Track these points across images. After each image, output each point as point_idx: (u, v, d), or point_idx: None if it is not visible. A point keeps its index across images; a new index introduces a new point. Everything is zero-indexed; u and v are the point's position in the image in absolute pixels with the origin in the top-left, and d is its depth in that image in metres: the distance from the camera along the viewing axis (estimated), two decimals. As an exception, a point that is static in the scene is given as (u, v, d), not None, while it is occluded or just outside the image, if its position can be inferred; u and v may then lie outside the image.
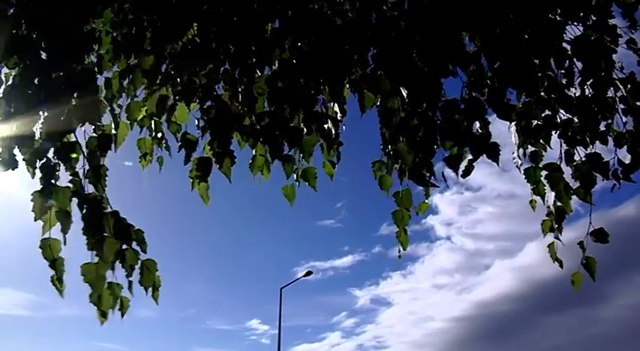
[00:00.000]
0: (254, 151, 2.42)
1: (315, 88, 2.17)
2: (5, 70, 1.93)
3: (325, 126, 2.26)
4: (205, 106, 2.18)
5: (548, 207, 2.24)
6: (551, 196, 2.19)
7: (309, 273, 33.66)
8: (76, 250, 1.93)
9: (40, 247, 1.84)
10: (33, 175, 1.87)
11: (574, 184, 2.16)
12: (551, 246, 2.33)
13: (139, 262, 1.91)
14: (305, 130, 2.19)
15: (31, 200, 1.82)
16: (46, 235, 1.86)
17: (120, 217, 1.88)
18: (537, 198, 2.28)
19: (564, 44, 2.02)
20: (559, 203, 2.19)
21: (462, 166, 2.09)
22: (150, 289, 1.96)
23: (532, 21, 1.95)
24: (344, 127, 2.34)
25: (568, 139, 2.13)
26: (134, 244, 1.91)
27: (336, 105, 2.28)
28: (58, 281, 1.88)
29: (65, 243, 1.84)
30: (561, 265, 2.33)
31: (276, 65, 2.13)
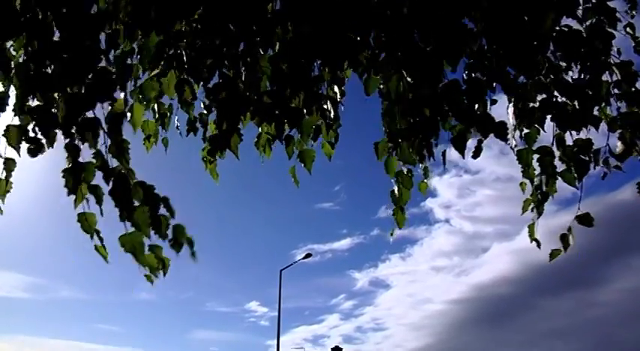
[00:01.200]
0: (260, 129, 2.45)
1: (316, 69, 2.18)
2: (13, 48, 2.01)
3: (325, 107, 2.29)
4: (211, 86, 2.19)
5: (537, 187, 2.29)
6: (542, 178, 2.25)
7: (308, 255, 33.75)
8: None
9: (78, 221, 1.96)
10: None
11: (561, 167, 2.21)
12: (531, 226, 2.39)
13: (170, 226, 1.99)
14: (305, 110, 2.21)
15: (62, 177, 1.93)
16: (80, 210, 1.96)
17: (147, 186, 1.94)
18: (527, 181, 2.32)
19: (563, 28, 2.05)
20: (544, 187, 2.25)
21: (464, 147, 2.12)
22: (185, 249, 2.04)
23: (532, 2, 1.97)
24: (342, 107, 2.37)
25: (561, 123, 2.15)
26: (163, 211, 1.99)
27: (335, 86, 2.31)
28: (102, 248, 2.00)
29: (102, 213, 1.94)
30: (539, 246, 2.39)
31: (278, 46, 2.16)
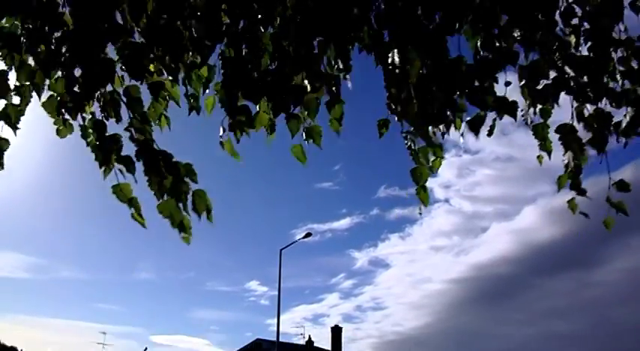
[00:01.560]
0: (257, 107, 2.42)
1: (318, 46, 2.19)
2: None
3: (329, 83, 2.29)
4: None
5: (566, 162, 2.34)
6: (569, 154, 2.31)
7: (308, 235, 33.92)
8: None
9: (113, 192, 2.08)
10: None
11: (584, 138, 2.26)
12: (571, 201, 2.44)
13: (191, 192, 2.10)
14: (309, 88, 2.22)
15: (92, 152, 1.98)
16: (115, 182, 2.07)
17: (167, 155, 2.01)
18: (544, 154, 2.37)
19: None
20: (575, 160, 2.31)
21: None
22: (204, 214, 2.15)
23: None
24: (350, 84, 2.34)
25: (578, 96, 2.20)
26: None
27: (340, 62, 2.29)
28: (139, 216, 2.10)
29: (136, 181, 2.06)
30: (587, 216, 2.44)
31: (279, 22, 2.17)
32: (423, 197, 2.45)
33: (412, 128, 2.30)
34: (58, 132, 2.21)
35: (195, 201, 2.09)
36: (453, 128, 2.23)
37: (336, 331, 47.11)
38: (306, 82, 2.21)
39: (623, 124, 2.25)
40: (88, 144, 2.12)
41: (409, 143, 2.36)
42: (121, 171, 2.03)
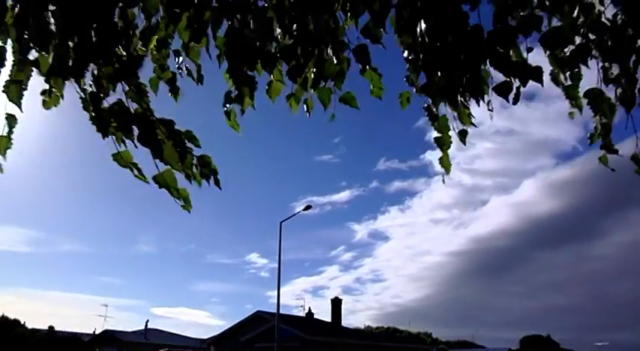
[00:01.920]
0: (271, 76, 2.45)
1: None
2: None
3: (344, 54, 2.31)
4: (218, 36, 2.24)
5: (595, 122, 2.41)
6: (599, 117, 2.37)
7: (308, 207, 34.19)
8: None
9: (114, 160, 2.08)
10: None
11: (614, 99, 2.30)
12: (603, 158, 2.51)
13: (194, 158, 2.13)
14: (335, 59, 2.26)
15: (92, 124, 2.00)
16: (115, 150, 2.08)
17: (168, 122, 2.05)
18: (576, 110, 2.40)
19: None
20: (604, 119, 2.35)
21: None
22: (212, 179, 2.19)
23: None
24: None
25: (605, 58, 2.22)
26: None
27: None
28: (141, 175, 2.11)
29: (137, 146, 2.05)
30: (613, 170, 2.51)
31: None
32: (446, 165, 2.50)
33: (431, 101, 2.34)
34: (44, 103, 2.22)
35: (200, 165, 2.14)
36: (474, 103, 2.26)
37: (336, 303, 47.58)
38: (330, 52, 2.24)
39: None
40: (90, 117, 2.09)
41: (432, 112, 2.39)
42: (123, 141, 2.06)
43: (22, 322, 60.70)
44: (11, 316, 62.10)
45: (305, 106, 2.53)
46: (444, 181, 2.50)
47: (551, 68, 2.29)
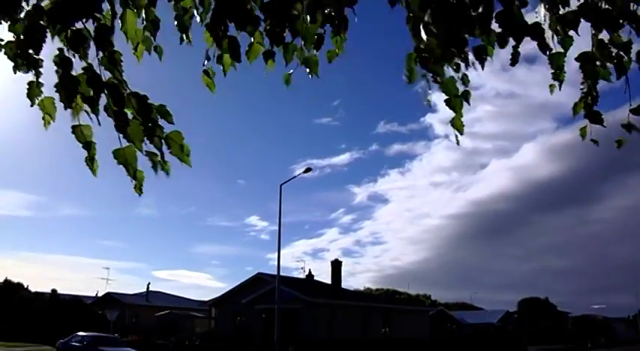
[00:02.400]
0: (252, 38, 2.39)
1: None
2: None
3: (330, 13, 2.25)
4: None
5: (582, 90, 2.34)
6: (588, 83, 2.31)
7: (308, 170, 34.31)
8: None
9: (73, 133, 2.01)
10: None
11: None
12: (583, 129, 2.45)
13: (165, 134, 2.03)
14: (309, 18, 2.18)
15: (56, 91, 1.90)
16: (76, 122, 1.98)
17: (141, 96, 1.93)
18: (556, 83, 2.37)
19: None
20: (592, 87, 2.31)
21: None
22: (182, 157, 2.09)
23: None
24: (356, 18, 2.30)
25: (599, 23, 2.16)
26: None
27: None
28: (90, 161, 2.02)
29: (99, 123, 1.91)
30: (597, 144, 2.46)
31: None
32: (459, 126, 2.45)
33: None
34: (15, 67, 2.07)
35: (169, 143, 2.04)
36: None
37: (336, 265, 48.07)
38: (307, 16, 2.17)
39: None
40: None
41: (432, 79, 2.33)
42: (87, 112, 1.96)
43: (25, 286, 61.59)
44: (14, 280, 63.03)
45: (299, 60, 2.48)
46: (458, 142, 2.48)
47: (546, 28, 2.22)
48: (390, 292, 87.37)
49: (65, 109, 1.91)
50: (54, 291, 54.43)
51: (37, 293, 57.02)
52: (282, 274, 34.46)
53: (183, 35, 2.37)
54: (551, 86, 2.39)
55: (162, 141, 1.99)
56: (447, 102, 2.38)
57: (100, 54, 1.97)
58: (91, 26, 1.95)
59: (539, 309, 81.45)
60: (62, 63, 1.95)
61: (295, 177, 37.36)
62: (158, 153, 2.00)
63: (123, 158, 1.97)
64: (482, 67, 2.22)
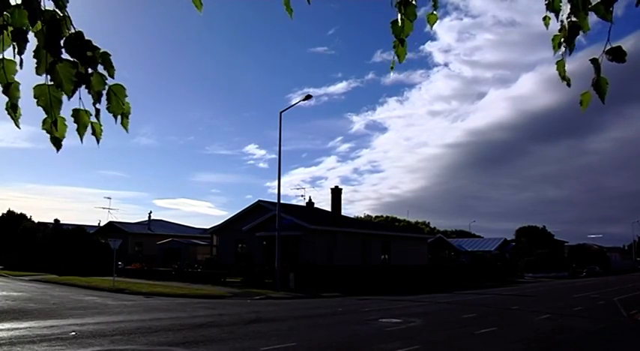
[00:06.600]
0: None
1: None
2: None
3: None
4: None
5: (562, 21, 2.11)
6: (566, 9, 2.07)
7: (308, 97, 33.99)
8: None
9: None
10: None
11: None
12: (559, 63, 2.19)
13: (106, 87, 1.81)
14: None
15: None
16: None
17: (84, 40, 1.74)
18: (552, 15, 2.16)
19: None
20: (574, 18, 2.06)
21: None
22: (119, 117, 1.89)
23: None
24: None
25: None
26: (100, 69, 1.80)
27: None
28: (12, 109, 1.80)
29: (22, 65, 1.72)
30: (569, 84, 2.23)
31: None
32: (400, 52, 2.35)
33: None
34: None
35: (110, 99, 1.84)
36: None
37: (336, 193, 48.43)
38: None
39: None
40: None
41: None
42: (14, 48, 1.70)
43: (29, 217, 62.30)
44: (17, 211, 63.63)
45: None
46: (392, 67, 2.45)
47: None
48: (389, 219, 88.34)
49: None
50: (57, 221, 55.04)
51: (40, 223, 57.70)
52: (281, 202, 34.63)
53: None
54: (546, 18, 2.21)
55: (102, 93, 1.80)
56: (394, 24, 2.28)
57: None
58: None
59: (536, 237, 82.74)
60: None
61: (295, 104, 37.12)
62: (91, 110, 1.80)
63: (46, 100, 1.74)
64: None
